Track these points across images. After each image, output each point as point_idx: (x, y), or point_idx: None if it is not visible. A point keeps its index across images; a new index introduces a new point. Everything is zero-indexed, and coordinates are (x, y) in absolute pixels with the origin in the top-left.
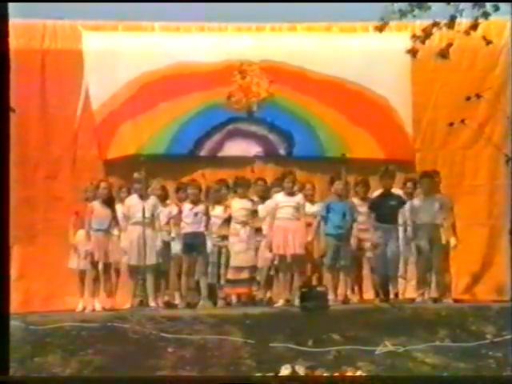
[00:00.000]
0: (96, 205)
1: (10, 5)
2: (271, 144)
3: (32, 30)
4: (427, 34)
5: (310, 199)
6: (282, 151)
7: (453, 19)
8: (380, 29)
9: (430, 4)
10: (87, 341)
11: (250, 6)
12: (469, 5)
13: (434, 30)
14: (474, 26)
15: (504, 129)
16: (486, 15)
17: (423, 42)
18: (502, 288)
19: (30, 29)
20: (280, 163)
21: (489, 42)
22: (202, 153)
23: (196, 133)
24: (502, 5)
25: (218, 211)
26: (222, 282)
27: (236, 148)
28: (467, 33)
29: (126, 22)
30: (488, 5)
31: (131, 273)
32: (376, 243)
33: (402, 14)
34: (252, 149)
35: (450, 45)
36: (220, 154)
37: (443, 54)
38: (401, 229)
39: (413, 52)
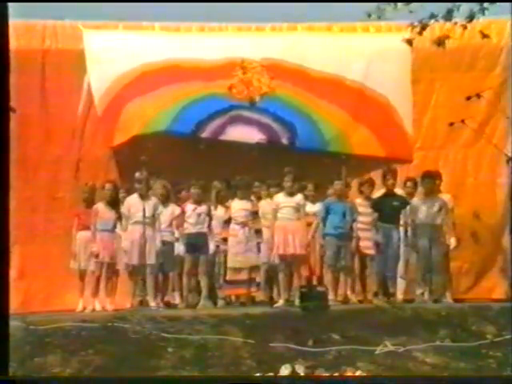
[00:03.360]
0: (100, 206)
1: (11, 5)
2: (274, 132)
3: (32, 30)
4: (424, 25)
5: (312, 199)
6: (284, 141)
7: (450, 12)
8: (369, 14)
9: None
10: (87, 341)
11: (250, 6)
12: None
13: (432, 21)
14: (470, 18)
15: (504, 128)
16: (483, 10)
17: (420, 34)
18: (503, 288)
19: (30, 29)
20: (283, 153)
21: (485, 36)
22: (204, 135)
23: (198, 115)
24: (502, 5)
25: (220, 212)
26: (223, 282)
27: (238, 133)
28: (464, 26)
29: (127, 22)
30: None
31: (131, 273)
32: (377, 243)
33: (395, 7)
34: (255, 135)
35: (446, 36)
36: (222, 138)
37: (439, 42)
38: (402, 229)
39: (409, 41)
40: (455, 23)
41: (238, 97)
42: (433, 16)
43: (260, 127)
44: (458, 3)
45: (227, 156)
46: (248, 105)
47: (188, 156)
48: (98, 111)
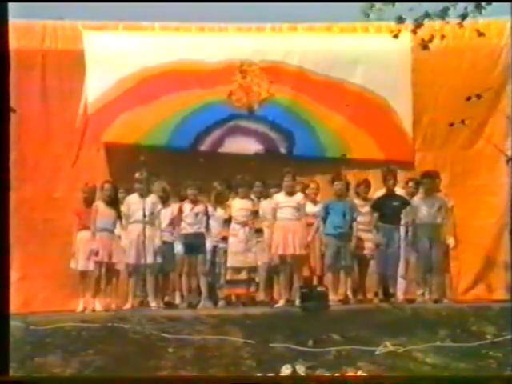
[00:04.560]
0: (100, 205)
1: (10, 5)
2: (272, 142)
3: (32, 30)
4: (418, 24)
5: (313, 199)
6: (282, 150)
7: (445, 11)
8: (367, 14)
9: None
10: (87, 341)
11: (250, 6)
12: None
13: (426, 20)
14: (463, 17)
15: (504, 129)
16: (479, 9)
17: (414, 32)
18: (503, 288)
19: (30, 29)
20: (280, 162)
21: (481, 34)
22: (203, 148)
23: (197, 127)
24: (501, 5)
25: (220, 212)
26: (222, 282)
27: (236, 145)
28: (460, 25)
29: (127, 22)
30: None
31: (131, 273)
32: (377, 243)
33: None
34: (252, 146)
35: (432, 38)
36: (220, 150)
37: (424, 44)
38: (402, 229)
39: (395, 35)
40: (447, 22)
41: (236, 104)
42: (427, 15)
43: (258, 137)
44: (454, 2)
45: (226, 166)
46: (246, 113)
47: (187, 168)
48: (90, 108)
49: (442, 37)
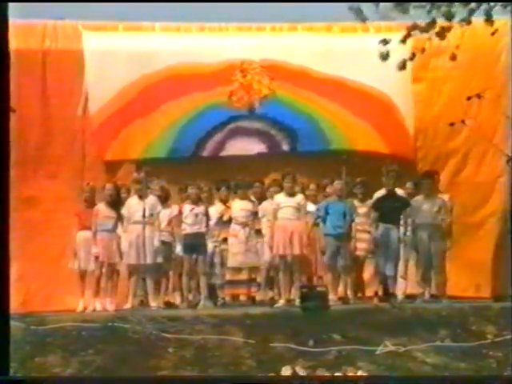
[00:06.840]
0: (101, 207)
1: (10, 5)
2: (274, 140)
3: (32, 30)
4: (407, 35)
5: (314, 199)
6: (285, 147)
7: (433, 22)
8: (363, 20)
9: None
10: (88, 341)
11: (250, 6)
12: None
13: (415, 32)
14: (448, 29)
15: (504, 128)
16: (466, 20)
17: (404, 42)
18: (503, 287)
19: (30, 29)
20: (284, 160)
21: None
22: (204, 153)
23: (197, 134)
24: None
25: (220, 212)
26: (223, 282)
27: (238, 147)
28: (442, 37)
29: (127, 23)
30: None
31: (131, 273)
32: (377, 243)
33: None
34: (254, 146)
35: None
36: (222, 154)
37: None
38: (402, 229)
39: (382, 56)
40: (429, 38)
41: (237, 105)
42: (415, 26)
43: (260, 137)
44: (454, 2)
45: (228, 168)
46: (247, 113)
47: (188, 173)
48: (95, 122)
49: (423, 50)
